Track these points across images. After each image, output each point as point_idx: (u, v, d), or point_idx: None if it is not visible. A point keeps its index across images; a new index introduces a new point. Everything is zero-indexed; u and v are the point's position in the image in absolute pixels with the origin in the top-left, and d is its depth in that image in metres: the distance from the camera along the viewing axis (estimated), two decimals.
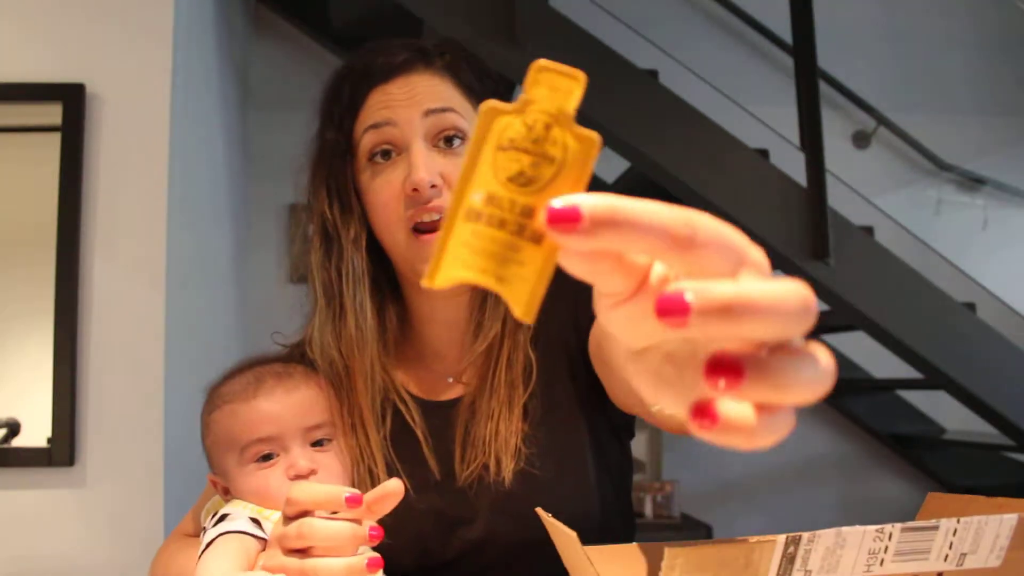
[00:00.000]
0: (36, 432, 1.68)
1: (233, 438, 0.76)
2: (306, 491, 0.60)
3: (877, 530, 0.44)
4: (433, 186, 0.78)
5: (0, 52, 1.74)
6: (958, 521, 0.45)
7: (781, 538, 0.43)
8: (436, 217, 0.79)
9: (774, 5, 2.51)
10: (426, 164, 0.78)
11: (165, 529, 1.69)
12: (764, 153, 2.30)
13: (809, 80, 2.24)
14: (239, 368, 0.82)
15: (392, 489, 0.60)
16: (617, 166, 2.58)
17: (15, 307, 1.77)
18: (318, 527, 0.58)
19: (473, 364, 0.86)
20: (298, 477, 0.74)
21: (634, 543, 0.53)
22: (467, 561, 0.81)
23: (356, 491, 0.59)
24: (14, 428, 1.70)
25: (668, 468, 2.90)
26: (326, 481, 0.75)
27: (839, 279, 2.16)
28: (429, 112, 0.80)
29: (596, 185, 2.89)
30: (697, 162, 2.17)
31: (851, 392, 3.01)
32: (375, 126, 0.80)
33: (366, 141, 0.81)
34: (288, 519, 0.60)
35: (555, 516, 0.55)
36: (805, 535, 0.43)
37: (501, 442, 0.80)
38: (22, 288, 1.76)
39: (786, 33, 2.38)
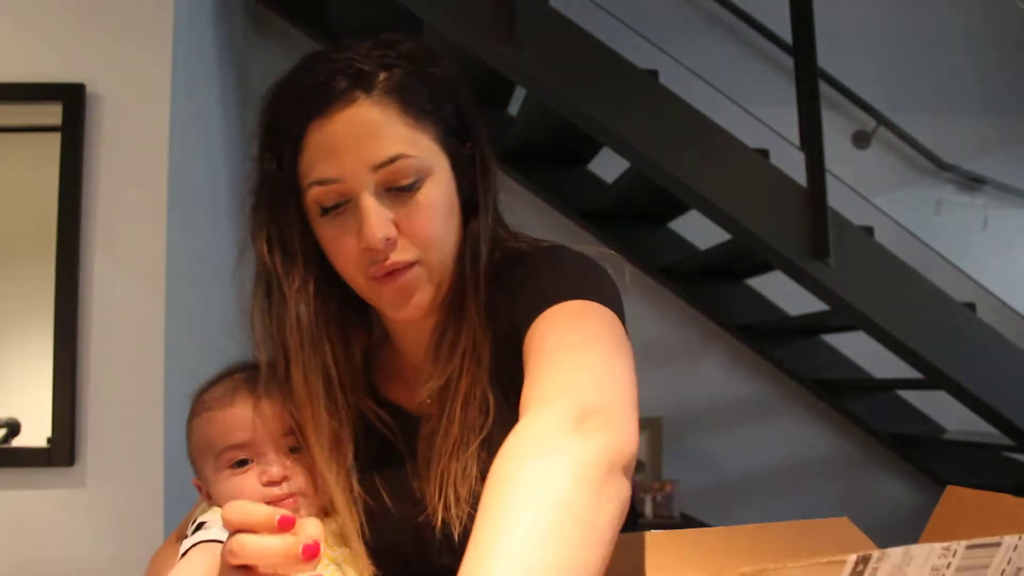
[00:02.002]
0: (36, 432, 1.68)
1: (210, 444, 0.77)
2: (238, 510, 0.58)
3: (944, 547, 0.45)
4: (388, 239, 0.75)
5: (0, 52, 1.74)
6: (1019, 538, 0.46)
7: (852, 557, 0.43)
8: (393, 270, 0.76)
9: (774, 5, 2.50)
10: (377, 219, 0.74)
11: (165, 529, 1.68)
12: (764, 153, 2.30)
13: (809, 80, 2.24)
14: (221, 375, 0.83)
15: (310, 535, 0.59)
16: (617, 166, 2.57)
17: (15, 307, 1.76)
18: (248, 544, 0.57)
19: (434, 394, 0.83)
20: (271, 483, 0.75)
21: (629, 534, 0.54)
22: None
23: (288, 512, 0.58)
24: (14, 428, 1.70)
25: (668, 468, 2.90)
26: (297, 487, 0.76)
27: (839, 279, 2.16)
28: (377, 167, 0.75)
29: (596, 185, 2.89)
30: (697, 162, 2.17)
31: (851, 392, 3.01)
32: (321, 182, 0.76)
33: (313, 193, 0.77)
34: (231, 535, 0.59)
35: None
36: (875, 553, 0.43)
37: (451, 485, 0.77)
38: (22, 288, 1.75)
39: (786, 33, 2.38)
